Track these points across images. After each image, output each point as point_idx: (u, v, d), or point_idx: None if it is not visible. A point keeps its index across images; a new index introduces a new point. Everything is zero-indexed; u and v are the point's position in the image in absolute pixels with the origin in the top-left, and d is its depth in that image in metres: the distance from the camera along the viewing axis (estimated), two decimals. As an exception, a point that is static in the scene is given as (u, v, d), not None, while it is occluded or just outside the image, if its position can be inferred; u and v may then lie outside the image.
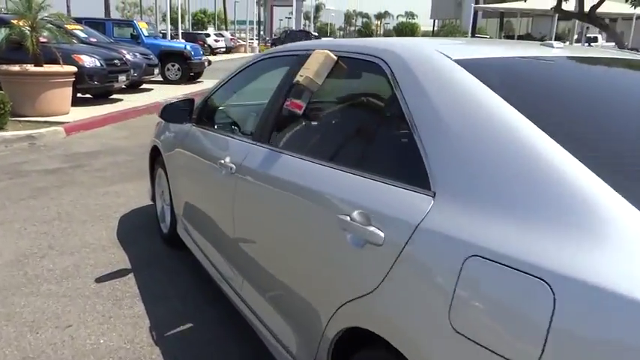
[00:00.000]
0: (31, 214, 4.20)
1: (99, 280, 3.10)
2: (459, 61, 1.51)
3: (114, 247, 3.59)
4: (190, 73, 14.53)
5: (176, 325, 2.64)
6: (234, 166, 2.23)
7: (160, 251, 3.54)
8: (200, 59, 14.84)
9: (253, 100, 2.94)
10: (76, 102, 8.94)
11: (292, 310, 1.84)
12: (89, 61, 9.26)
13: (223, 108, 3.01)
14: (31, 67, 7.94)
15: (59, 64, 8.22)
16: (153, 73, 12.57)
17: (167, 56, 14.00)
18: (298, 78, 1.94)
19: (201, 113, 2.97)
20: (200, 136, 2.86)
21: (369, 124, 1.77)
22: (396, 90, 1.55)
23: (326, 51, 1.93)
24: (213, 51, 31.03)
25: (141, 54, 12.02)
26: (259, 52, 40.78)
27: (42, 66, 8.08)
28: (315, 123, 2.02)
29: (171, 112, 2.91)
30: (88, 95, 10.06)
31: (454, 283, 1.10)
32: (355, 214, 1.43)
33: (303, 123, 2.03)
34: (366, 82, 1.96)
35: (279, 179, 1.87)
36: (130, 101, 10.24)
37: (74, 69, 8.48)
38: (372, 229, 1.37)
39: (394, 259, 1.28)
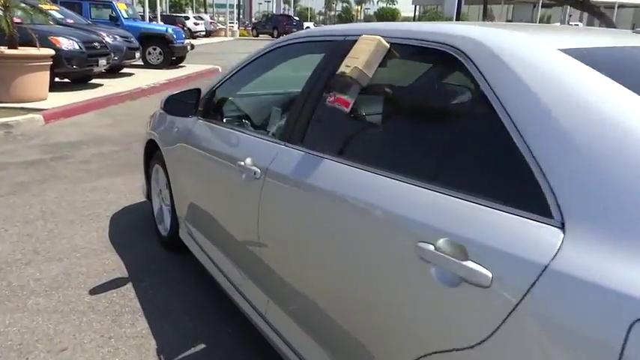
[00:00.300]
0: (12, 212, 3.82)
1: (93, 291, 2.77)
2: (566, 51, 1.22)
3: (107, 251, 3.25)
4: (172, 58, 13.99)
5: (186, 346, 2.34)
6: (258, 170, 1.92)
7: (159, 256, 3.22)
8: (182, 43, 14.31)
9: (272, 92, 2.63)
10: (54, 87, 8.45)
11: (340, 346, 1.56)
12: (67, 43, 8.75)
13: (236, 100, 2.69)
14: (5, 50, 7.43)
15: (35, 46, 7.70)
16: (134, 57, 12.04)
17: (148, 39, 13.43)
18: (344, 69, 1.63)
19: (208, 105, 2.65)
20: (209, 131, 2.53)
21: (446, 129, 1.46)
22: (483, 87, 1.27)
23: (377, 37, 1.63)
24: (192, 34, 30.16)
25: (121, 37, 11.48)
26: (240, 36, 39.98)
27: (17, 48, 7.56)
28: (370, 124, 1.71)
29: (176, 104, 2.57)
30: (66, 80, 9.55)
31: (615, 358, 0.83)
32: (442, 242, 1.15)
33: (352, 123, 1.73)
34: (433, 76, 1.67)
35: (328, 191, 1.57)
36: (111, 86, 9.75)
37: (51, 52, 7.98)
38: (470, 264, 1.09)
39: (510, 309, 1.00)
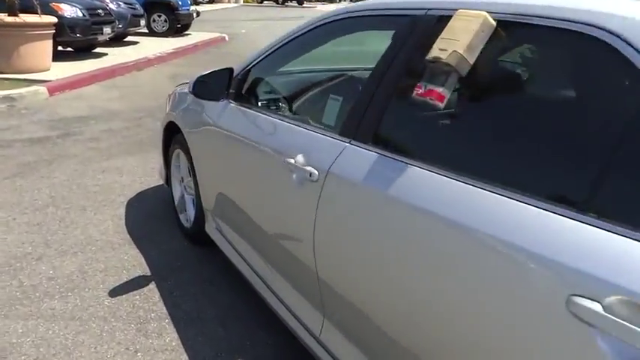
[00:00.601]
0: (19, 198, 3.53)
1: (114, 292, 2.50)
2: None
3: (125, 244, 2.97)
4: (178, 25, 13.50)
5: (223, 363, 2.08)
6: (315, 172, 1.61)
7: (182, 250, 2.94)
8: (188, 10, 13.77)
9: (319, 71, 2.30)
10: (57, 57, 8.06)
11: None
12: (70, 10, 8.33)
13: (275, 81, 2.37)
14: (4, 17, 7.02)
15: (37, 13, 7.28)
16: (139, 25, 11.56)
17: (153, 6, 12.91)
18: (438, 54, 1.31)
19: (241, 87, 2.32)
20: (243, 117, 2.22)
21: (596, 137, 1.13)
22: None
23: (481, 13, 1.29)
24: (195, 1, 29.40)
25: (125, 3, 10.99)
26: (244, 2, 38.93)
27: (17, 16, 7.14)
28: (473, 125, 1.38)
29: (205, 87, 2.25)
30: (69, 49, 9.15)
31: None
32: (615, 300, 0.85)
33: (449, 122, 1.42)
34: (561, 63, 1.33)
35: (420, 208, 1.26)
36: (116, 56, 9.35)
37: (54, 19, 7.56)
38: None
39: None
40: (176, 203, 3.17)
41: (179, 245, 2.98)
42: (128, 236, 3.07)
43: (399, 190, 1.32)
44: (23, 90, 6.30)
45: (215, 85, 2.26)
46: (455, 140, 1.37)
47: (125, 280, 2.62)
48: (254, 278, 2.22)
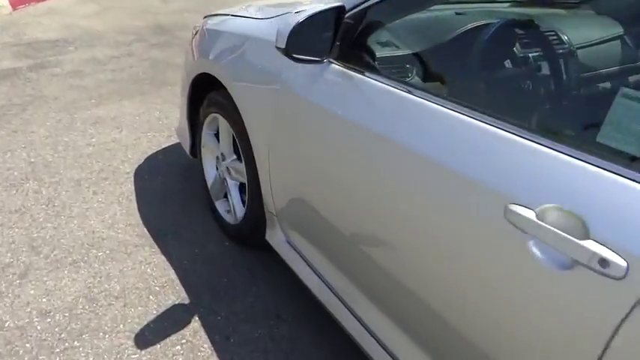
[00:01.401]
0: (-13, 166, 2.62)
1: (142, 341, 1.70)
2: None
3: (143, 244, 2.14)
4: None
5: None
6: (621, 263, 0.78)
7: (226, 257, 2.12)
8: None
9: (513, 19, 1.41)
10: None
11: None
12: None
13: (422, 33, 1.45)
14: None
15: None
16: None
17: None
18: None
19: (351, 37, 1.41)
20: (358, 89, 1.33)
21: None
22: None
23: None
24: None
25: None
26: None
27: None
28: None
29: (307, 40, 1.33)
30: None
31: None
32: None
33: None
34: None
35: None
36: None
37: None
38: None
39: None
40: (209, 185, 2.30)
41: (219, 248, 2.15)
42: (145, 230, 2.22)
43: None
44: (-21, 3, 5.09)
45: (318, 38, 1.34)
46: None
47: (154, 314, 1.81)
48: (363, 337, 1.44)
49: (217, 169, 2.24)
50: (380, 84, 1.28)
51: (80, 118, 3.21)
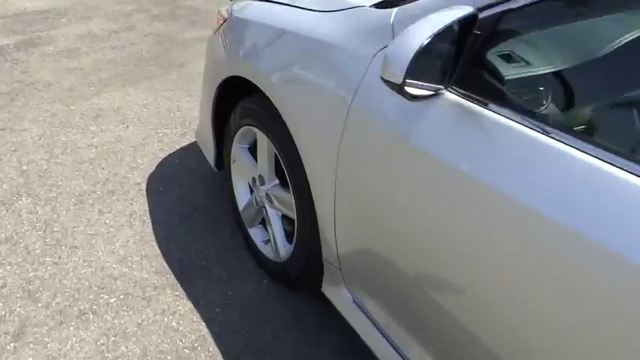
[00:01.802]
0: (-30, 177, 2.20)
1: None
2: None
3: (163, 286, 1.75)
4: None
5: None
6: None
7: (267, 303, 1.73)
8: None
9: None
10: None
11: None
12: None
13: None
14: None
15: None
16: None
17: None
18: None
19: (478, 61, 0.98)
20: (490, 132, 0.92)
21: None
22: None
23: None
24: None
25: None
26: None
27: None
28: None
29: (424, 66, 0.90)
30: None
31: None
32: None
33: None
34: None
35: None
36: None
37: None
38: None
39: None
40: (241, 208, 1.89)
41: (256, 289, 1.76)
42: (164, 264, 1.83)
43: None
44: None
45: (438, 61, 0.91)
46: None
47: (186, 390, 1.43)
48: None
49: (252, 191, 1.82)
50: (506, 120, 0.87)
51: (79, 110, 2.77)
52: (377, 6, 1.28)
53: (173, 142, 2.54)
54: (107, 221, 2.01)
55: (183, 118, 2.74)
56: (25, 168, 2.28)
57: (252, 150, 1.79)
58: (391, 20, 1.14)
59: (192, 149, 2.47)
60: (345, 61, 1.21)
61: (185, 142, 2.54)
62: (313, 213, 1.41)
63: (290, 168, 1.48)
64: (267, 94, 1.47)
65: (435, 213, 0.99)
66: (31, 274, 1.75)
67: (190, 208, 2.10)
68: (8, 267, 1.77)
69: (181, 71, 3.26)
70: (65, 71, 3.19)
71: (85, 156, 2.38)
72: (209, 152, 2.03)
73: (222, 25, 1.76)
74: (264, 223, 1.82)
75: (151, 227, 1.99)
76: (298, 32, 1.36)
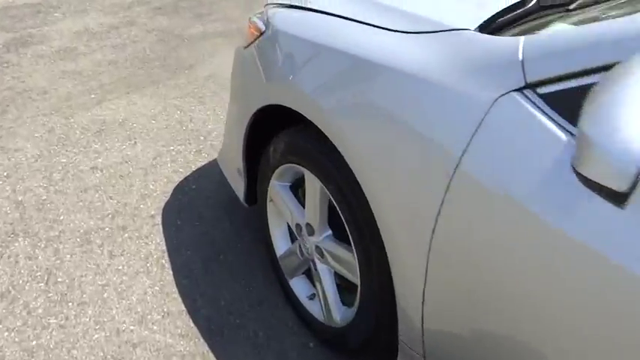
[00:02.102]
0: (-43, 213, 1.89)
1: None
2: None
3: (194, 351, 1.47)
4: None
5: None
6: None
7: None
8: None
9: None
10: None
11: None
12: None
13: None
14: None
15: None
16: None
17: None
18: None
19: None
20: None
21: None
22: None
23: None
24: None
25: None
26: None
27: None
28: None
29: None
30: None
31: None
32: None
33: None
34: None
35: None
36: None
37: None
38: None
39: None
40: (279, 255, 1.60)
41: (301, 355, 1.48)
42: (190, 323, 1.54)
43: None
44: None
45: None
46: None
47: None
48: None
49: (292, 232, 1.53)
50: None
51: (79, 123, 2.45)
52: (482, 29, 0.98)
53: (188, 161, 2.24)
54: (120, 267, 1.71)
55: (197, 132, 2.43)
56: (20, 198, 1.97)
57: (292, 187, 1.49)
58: (519, 56, 0.84)
59: (211, 170, 2.17)
60: (449, 103, 0.91)
61: (201, 162, 2.24)
62: (387, 283, 1.12)
63: (354, 225, 1.19)
64: (325, 132, 1.17)
65: (598, 321, 0.71)
66: (34, 342, 1.46)
67: (214, 248, 1.81)
68: (6, 333, 1.48)
69: (190, 74, 2.94)
70: (62, 75, 2.86)
71: (89, 182, 2.08)
72: (237, 184, 1.73)
73: (257, 38, 1.45)
74: (308, 272, 1.53)
75: (171, 273, 1.70)
76: (374, 59, 1.05)
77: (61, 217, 1.90)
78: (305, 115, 1.22)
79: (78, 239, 1.81)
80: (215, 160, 2.21)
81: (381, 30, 1.10)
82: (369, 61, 1.06)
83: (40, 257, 1.73)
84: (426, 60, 0.97)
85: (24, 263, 1.71)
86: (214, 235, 1.86)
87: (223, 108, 2.60)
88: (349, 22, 1.19)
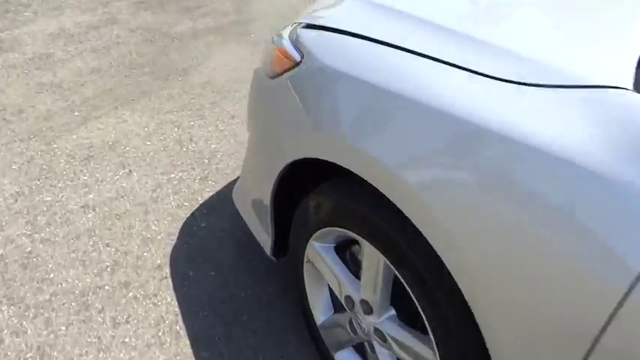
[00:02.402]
0: None
1: None
2: None
3: None
4: None
5: None
6: None
7: None
8: None
9: None
10: None
11: None
12: None
13: None
14: None
15: None
16: None
17: None
18: None
19: None
20: None
21: None
22: None
23: None
24: None
25: None
26: None
27: None
28: None
29: None
30: None
31: None
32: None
33: None
34: None
35: None
36: None
37: None
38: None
39: None
40: (319, 322, 1.34)
41: None
42: (219, 412, 1.27)
43: None
44: None
45: None
46: None
47: None
48: None
49: (337, 298, 1.27)
50: None
51: (63, 149, 2.14)
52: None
53: (193, 192, 1.95)
54: (126, 339, 1.44)
55: (200, 153, 2.13)
56: (1, 252, 1.67)
57: (337, 249, 1.22)
58: None
59: (220, 203, 1.89)
60: (607, 195, 0.65)
61: (208, 192, 1.95)
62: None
63: (437, 321, 0.93)
64: (408, 214, 0.88)
65: None
66: None
67: (235, 307, 1.54)
68: None
69: (184, 81, 2.62)
70: (38, 89, 2.52)
71: (81, 225, 1.78)
72: (260, 234, 1.45)
73: (291, 69, 1.15)
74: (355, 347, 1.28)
75: (188, 344, 1.43)
76: (492, 126, 0.77)
77: (51, 275, 1.61)
78: (381, 191, 0.93)
79: (73, 303, 1.52)
80: (224, 189, 1.94)
81: (483, 78, 0.82)
82: (480, 126, 0.78)
83: (29, 331, 1.45)
84: (568, 129, 0.70)
85: (10, 342, 1.42)
86: (234, 290, 1.58)
87: (226, 122, 2.30)
88: (434, 62, 0.90)
